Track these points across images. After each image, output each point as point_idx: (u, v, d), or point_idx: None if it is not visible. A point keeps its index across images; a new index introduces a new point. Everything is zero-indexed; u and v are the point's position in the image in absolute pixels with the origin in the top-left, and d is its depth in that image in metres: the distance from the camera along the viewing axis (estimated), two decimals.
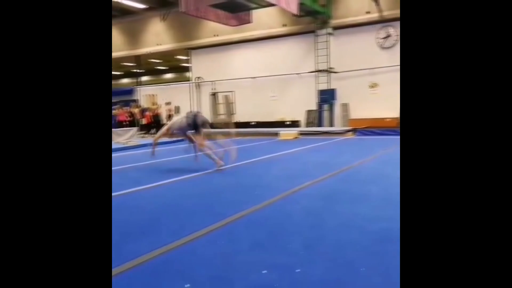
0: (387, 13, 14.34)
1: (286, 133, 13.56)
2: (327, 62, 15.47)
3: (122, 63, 24.55)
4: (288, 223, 3.26)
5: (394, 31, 14.43)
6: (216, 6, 12.60)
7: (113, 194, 4.35)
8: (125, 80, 31.73)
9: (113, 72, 30.95)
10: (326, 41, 15.43)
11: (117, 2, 17.22)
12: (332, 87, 15.56)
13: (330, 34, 15.42)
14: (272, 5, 12.08)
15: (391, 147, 9.15)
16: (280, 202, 3.99)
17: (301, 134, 13.81)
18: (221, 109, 18.21)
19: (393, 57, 14.38)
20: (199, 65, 19.01)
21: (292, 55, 16.50)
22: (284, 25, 16.42)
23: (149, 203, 4.16)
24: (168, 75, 32.37)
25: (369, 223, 3.16)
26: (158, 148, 6.99)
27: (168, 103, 18.77)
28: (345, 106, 15.38)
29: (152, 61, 26.88)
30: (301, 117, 16.29)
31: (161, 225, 3.32)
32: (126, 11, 19.50)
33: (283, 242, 2.79)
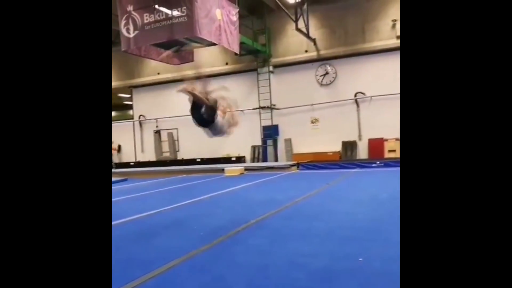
0: (324, 52, 15.12)
1: (231, 169, 13.56)
2: (269, 99, 15.87)
3: None
4: (233, 265, 3.21)
5: (332, 68, 15.18)
6: (158, 45, 12.64)
7: None
8: None
9: None
10: (268, 79, 15.90)
11: None
12: (275, 123, 15.92)
13: (271, 72, 15.93)
14: (214, 44, 12.32)
15: (334, 180, 9.42)
16: (225, 243, 3.93)
17: (246, 169, 13.87)
18: (165, 146, 17.94)
19: (332, 93, 15.08)
20: (142, 103, 18.77)
21: (236, 93, 16.70)
22: (227, 64, 16.76)
23: None
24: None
25: (313, 260, 3.19)
26: None
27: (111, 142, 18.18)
28: (288, 141, 15.73)
29: None
30: (247, 153, 16.43)
31: None
32: None
33: (228, 286, 2.73)
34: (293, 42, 15.55)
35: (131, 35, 11.49)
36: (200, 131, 14.82)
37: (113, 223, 5.13)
